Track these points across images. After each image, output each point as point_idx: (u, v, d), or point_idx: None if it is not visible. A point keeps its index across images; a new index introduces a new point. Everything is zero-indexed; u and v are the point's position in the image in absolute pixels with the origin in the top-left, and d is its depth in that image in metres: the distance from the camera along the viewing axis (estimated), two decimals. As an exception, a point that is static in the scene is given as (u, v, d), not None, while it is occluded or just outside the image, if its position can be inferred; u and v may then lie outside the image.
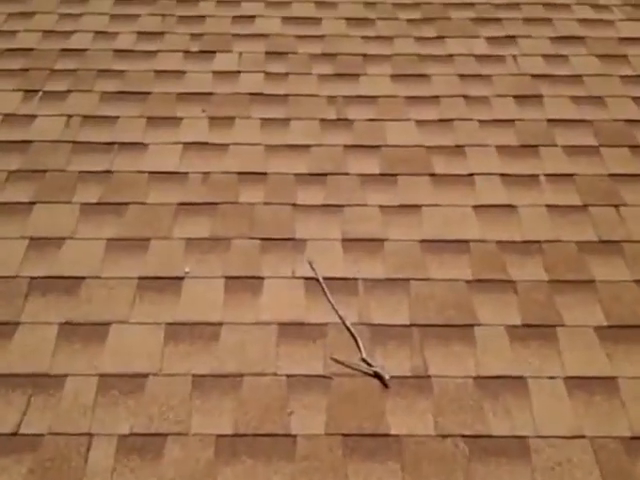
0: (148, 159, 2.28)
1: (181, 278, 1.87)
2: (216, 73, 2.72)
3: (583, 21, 3.03)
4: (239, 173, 2.24)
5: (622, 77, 2.68)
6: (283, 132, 2.42)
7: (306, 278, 1.87)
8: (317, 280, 1.84)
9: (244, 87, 2.64)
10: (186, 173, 2.23)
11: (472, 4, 3.16)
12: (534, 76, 2.70)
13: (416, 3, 3.17)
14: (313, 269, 1.86)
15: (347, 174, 2.24)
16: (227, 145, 2.35)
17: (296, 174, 2.24)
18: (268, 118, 2.48)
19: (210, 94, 2.60)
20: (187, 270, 1.86)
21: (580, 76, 2.69)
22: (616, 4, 3.15)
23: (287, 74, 2.72)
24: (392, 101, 2.58)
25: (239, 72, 2.73)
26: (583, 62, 2.77)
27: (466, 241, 1.99)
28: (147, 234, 2.00)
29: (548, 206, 2.11)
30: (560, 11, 3.11)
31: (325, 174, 2.24)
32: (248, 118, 2.49)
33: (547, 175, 2.23)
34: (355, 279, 1.87)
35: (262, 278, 1.88)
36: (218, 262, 1.92)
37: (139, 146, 2.34)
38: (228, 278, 1.88)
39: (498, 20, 3.04)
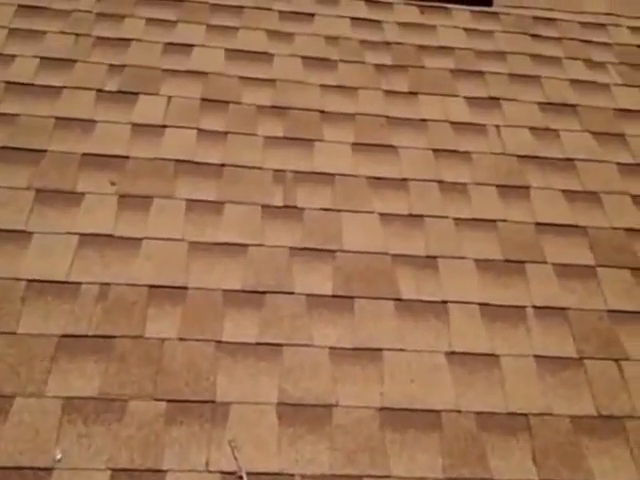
0: (30, 260, 1.74)
1: None
2: (136, 127, 2.16)
3: (576, 83, 2.62)
4: (151, 286, 1.73)
5: (620, 165, 2.30)
6: (213, 223, 1.91)
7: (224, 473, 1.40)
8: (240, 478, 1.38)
9: (169, 150, 2.11)
10: (78, 284, 1.70)
11: (451, 49, 2.69)
12: (520, 157, 2.27)
13: (386, 42, 2.68)
14: (235, 457, 1.40)
15: (292, 293, 1.77)
16: (139, 240, 1.83)
17: (225, 291, 1.75)
18: (196, 199, 1.97)
19: (125, 158, 2.05)
20: None
21: (572, 160, 2.29)
22: (611, 61, 2.75)
23: (226, 133, 2.19)
24: (353, 182, 2.10)
25: (165, 127, 2.18)
26: (576, 141, 2.37)
27: (438, 412, 1.56)
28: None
29: (537, 357, 1.70)
30: (550, 66, 2.68)
31: (264, 292, 1.76)
32: (170, 197, 1.96)
33: (535, 308, 1.82)
34: (292, 476, 1.42)
35: (164, 472, 1.39)
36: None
37: (20, 236, 1.79)
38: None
39: (480, 74, 2.59)
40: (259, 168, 2.10)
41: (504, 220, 2.06)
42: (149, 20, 2.59)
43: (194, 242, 1.84)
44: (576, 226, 2.07)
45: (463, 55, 2.67)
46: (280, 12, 2.74)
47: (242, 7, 2.73)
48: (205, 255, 1.81)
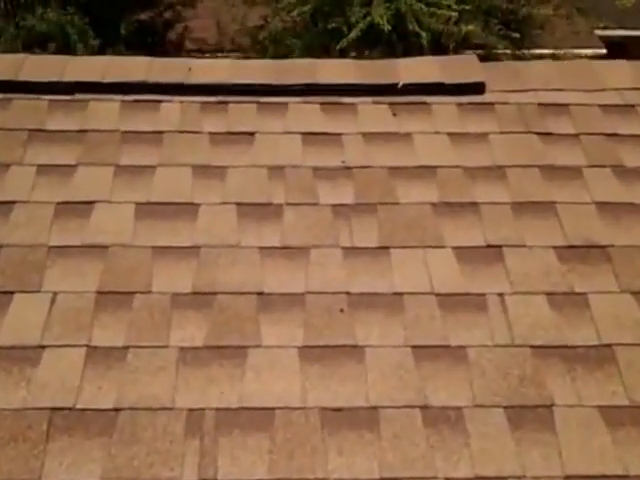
0: None
1: None
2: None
3: (605, 208, 1.95)
4: None
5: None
6: None
7: None
8: None
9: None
10: None
11: (433, 169, 2.07)
12: (537, 351, 1.63)
13: (347, 167, 2.07)
14: None
15: None
16: None
17: None
18: None
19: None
20: None
21: (611, 347, 1.64)
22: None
23: (127, 349, 1.59)
24: (303, 422, 1.49)
25: (44, 347, 1.60)
26: (614, 310, 1.71)
27: None
28: None
29: None
30: (567, 183, 2.03)
31: None
32: None
33: None
34: None
35: None
36: None
37: None
38: None
39: (473, 207, 1.96)
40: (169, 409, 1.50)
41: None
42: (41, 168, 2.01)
43: None
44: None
45: (449, 177, 2.04)
46: (211, 135, 2.14)
47: (162, 132, 2.14)
48: None
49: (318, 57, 6.27)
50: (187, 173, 2.00)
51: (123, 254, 1.78)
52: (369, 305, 1.70)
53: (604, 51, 9.65)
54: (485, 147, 2.12)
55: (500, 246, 1.85)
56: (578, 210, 1.95)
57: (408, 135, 2.16)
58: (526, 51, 6.83)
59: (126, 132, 2.11)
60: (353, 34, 5.97)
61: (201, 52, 7.93)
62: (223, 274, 1.75)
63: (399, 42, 6.22)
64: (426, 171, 2.05)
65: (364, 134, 2.16)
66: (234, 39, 7.67)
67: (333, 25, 6.21)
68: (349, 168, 2.05)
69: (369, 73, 2.34)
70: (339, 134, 2.16)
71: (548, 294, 1.72)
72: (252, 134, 2.14)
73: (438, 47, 6.28)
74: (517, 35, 6.82)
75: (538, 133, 2.18)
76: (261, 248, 1.82)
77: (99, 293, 1.69)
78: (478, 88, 2.31)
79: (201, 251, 1.80)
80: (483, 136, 2.16)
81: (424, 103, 2.27)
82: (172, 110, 2.20)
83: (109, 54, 5.92)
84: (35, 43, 6.10)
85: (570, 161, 2.09)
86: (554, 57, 6.70)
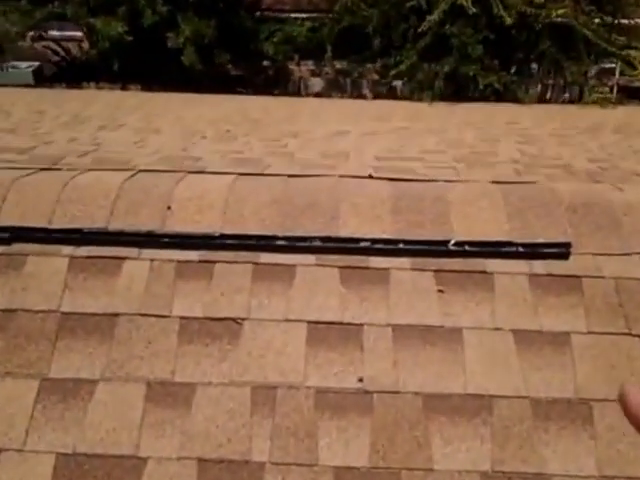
0: None
1: None
2: None
3: None
4: None
5: None
6: None
7: None
8: None
9: None
10: None
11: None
12: None
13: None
14: None
15: None
16: None
17: None
18: None
19: None
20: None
21: None
22: None
23: None
24: None
25: None
26: None
27: None
28: None
29: None
30: None
31: None
32: None
33: None
34: None
35: None
36: None
37: None
38: None
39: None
40: None
41: None
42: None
43: None
44: None
45: (511, 420, 1.42)
46: (182, 324, 1.58)
47: (116, 315, 1.59)
48: None
49: (394, 32, 5.71)
50: (137, 396, 1.46)
51: None
52: None
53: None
54: (565, 362, 1.49)
55: None
56: None
57: (457, 332, 1.54)
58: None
59: (67, 315, 1.56)
60: (435, 15, 5.24)
61: (278, 11, 7.05)
62: None
63: (484, 26, 5.45)
64: (477, 403, 1.44)
65: (395, 327, 1.55)
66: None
67: (412, 3, 5.55)
68: (368, 392, 1.46)
69: (410, 222, 1.70)
70: (360, 325, 1.56)
71: None
72: (240, 322, 1.56)
73: (523, 28, 5.49)
74: (609, 19, 5.88)
75: (644, 338, 1.52)
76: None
77: None
78: (561, 251, 1.64)
79: None
80: (563, 339, 1.52)
81: (483, 272, 1.63)
82: (137, 274, 1.64)
83: (179, 21, 5.34)
84: (103, 8, 5.58)
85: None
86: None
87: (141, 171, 1.94)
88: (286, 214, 1.72)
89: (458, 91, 5.67)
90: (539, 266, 1.64)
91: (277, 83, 5.85)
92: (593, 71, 6.25)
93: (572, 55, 5.97)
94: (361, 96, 5.77)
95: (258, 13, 6.12)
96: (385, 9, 5.73)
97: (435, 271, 1.64)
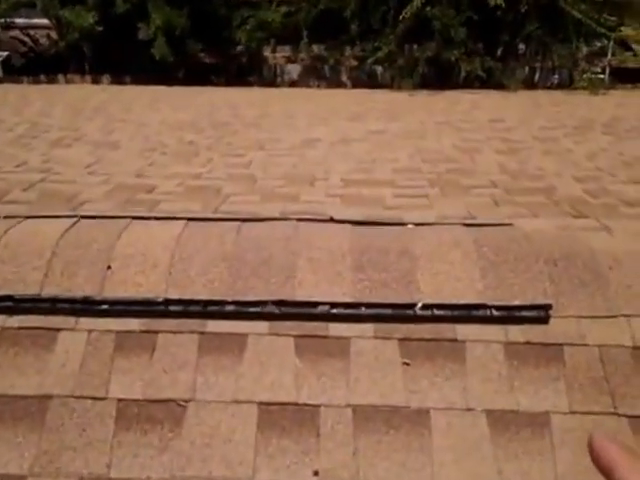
0: None
1: None
2: None
3: None
4: None
5: None
6: None
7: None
8: None
9: None
10: None
11: None
12: None
13: None
14: None
15: None
16: None
17: None
18: None
19: None
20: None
21: None
22: None
23: None
24: None
25: None
26: None
27: None
28: None
29: None
30: None
31: None
32: None
33: None
34: None
35: None
36: None
37: None
38: None
39: None
40: None
41: None
42: None
43: None
44: None
45: None
46: (120, 408, 1.42)
47: (47, 401, 1.43)
48: None
49: (372, 16, 5.46)
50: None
51: None
52: None
53: None
54: (544, 448, 1.35)
55: None
56: None
57: (424, 414, 1.39)
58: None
59: (-8, 404, 1.40)
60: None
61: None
62: None
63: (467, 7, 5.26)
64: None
65: (355, 409, 1.40)
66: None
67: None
68: (324, 489, 1.32)
69: (373, 281, 1.53)
70: (317, 407, 1.40)
71: None
72: (184, 403, 1.41)
73: (509, 9, 5.28)
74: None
75: (631, 417, 1.38)
76: None
77: None
78: (540, 315, 1.48)
79: None
80: (542, 419, 1.38)
81: (454, 340, 1.48)
82: (72, 349, 1.47)
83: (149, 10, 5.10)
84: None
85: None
86: None
87: (83, 217, 1.75)
88: (237, 274, 1.55)
89: (441, 77, 5.44)
90: (516, 332, 1.48)
91: (252, 71, 5.58)
92: (583, 53, 6.02)
93: (561, 37, 5.73)
94: (340, 84, 5.52)
95: (231, -1, 5.84)
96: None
97: (400, 339, 1.48)
